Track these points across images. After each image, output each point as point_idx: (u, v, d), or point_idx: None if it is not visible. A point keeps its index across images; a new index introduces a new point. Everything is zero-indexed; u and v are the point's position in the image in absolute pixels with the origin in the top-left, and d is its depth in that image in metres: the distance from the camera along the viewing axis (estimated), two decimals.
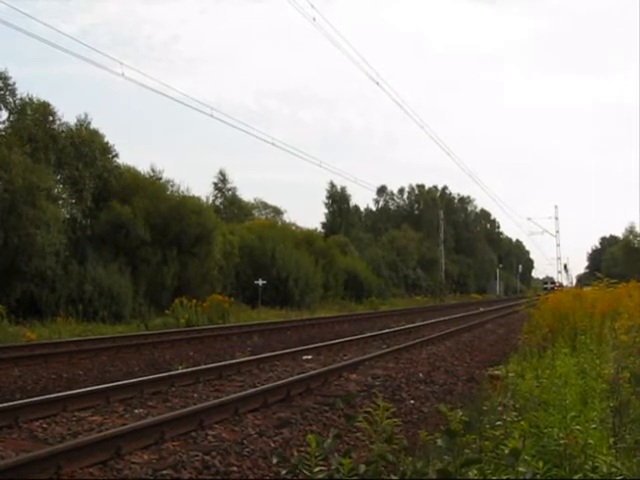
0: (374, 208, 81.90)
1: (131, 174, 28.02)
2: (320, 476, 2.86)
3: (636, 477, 3.54)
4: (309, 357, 13.20)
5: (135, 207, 25.63)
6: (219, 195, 47.49)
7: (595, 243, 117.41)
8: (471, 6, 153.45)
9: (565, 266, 70.67)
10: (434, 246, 68.17)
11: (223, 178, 47.76)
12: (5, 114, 22.88)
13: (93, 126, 25.93)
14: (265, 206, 56.27)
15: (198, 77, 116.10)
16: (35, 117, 23.54)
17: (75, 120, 25.44)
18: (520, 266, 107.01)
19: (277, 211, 56.35)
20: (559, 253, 63.45)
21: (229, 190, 47.99)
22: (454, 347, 15.86)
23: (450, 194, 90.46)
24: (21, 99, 23.24)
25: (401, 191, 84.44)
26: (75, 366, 12.06)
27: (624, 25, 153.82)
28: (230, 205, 47.24)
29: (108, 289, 22.76)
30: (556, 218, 62.34)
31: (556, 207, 63.81)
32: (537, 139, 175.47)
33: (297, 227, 48.75)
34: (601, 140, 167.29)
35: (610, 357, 6.00)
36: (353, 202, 66.29)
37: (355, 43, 72.57)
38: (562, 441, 3.68)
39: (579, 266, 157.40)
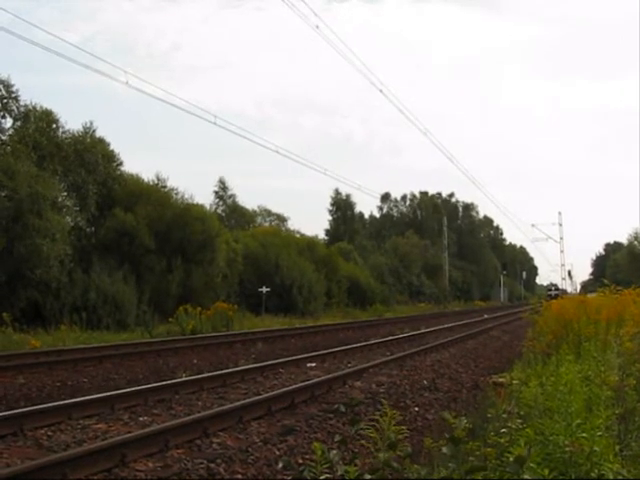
0: (378, 215, 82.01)
1: (135, 181, 28.12)
2: None
3: None
4: (313, 365, 13.18)
5: (139, 215, 25.70)
6: (221, 203, 47.64)
7: (599, 249, 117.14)
8: (472, 13, 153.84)
9: (569, 272, 70.51)
10: (438, 253, 68.10)
11: (223, 186, 47.93)
12: (9, 122, 23.03)
13: (98, 134, 26.14)
14: (269, 213, 56.33)
15: (199, 85, 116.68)
16: (39, 125, 23.66)
17: (80, 128, 25.65)
18: (524, 273, 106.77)
19: (281, 218, 56.40)
20: (563, 260, 63.40)
21: (230, 197, 48.15)
22: (458, 354, 15.82)
23: (457, 201, 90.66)
24: (25, 106, 23.36)
25: (404, 198, 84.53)
26: (79, 374, 12.06)
27: (626, 28, 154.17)
28: (232, 212, 47.34)
29: (112, 297, 22.78)
30: (560, 224, 62.27)
31: (560, 214, 63.58)
32: (541, 145, 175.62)
33: (301, 234, 48.82)
34: (605, 146, 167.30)
35: (615, 364, 5.99)
36: (357, 209, 66.40)
37: (358, 50, 72.76)
38: (567, 448, 3.66)
39: (583, 272, 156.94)
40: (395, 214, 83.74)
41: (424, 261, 65.43)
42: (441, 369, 12.98)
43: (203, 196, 57.26)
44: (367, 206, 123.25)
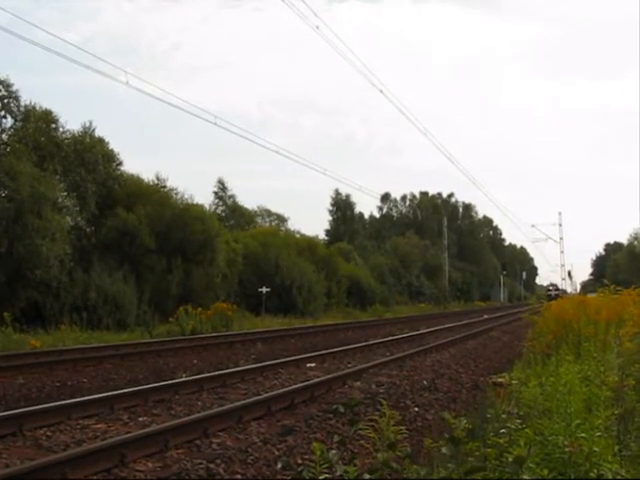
0: (378, 215, 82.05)
1: (135, 181, 28.13)
2: None
3: None
4: (313, 365, 13.18)
5: (139, 214, 25.71)
6: (220, 203, 47.66)
7: (599, 249, 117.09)
8: (472, 13, 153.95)
9: (569, 273, 70.49)
10: (438, 253, 68.10)
11: (223, 186, 47.94)
12: (10, 121, 23.04)
13: (97, 134, 26.16)
14: (269, 213, 56.29)
15: (199, 85, 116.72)
16: (39, 125, 23.66)
17: (80, 128, 25.66)
18: (524, 273, 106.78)
19: (281, 218, 56.36)
20: (563, 260, 63.39)
21: (230, 197, 48.18)
22: (458, 354, 15.82)
23: (457, 201, 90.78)
24: (25, 106, 23.36)
25: (404, 198, 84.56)
26: (79, 374, 12.06)
27: (626, 28, 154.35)
28: (232, 213, 47.35)
29: (112, 297, 22.79)
30: (560, 225, 62.25)
31: (560, 214, 63.59)
32: (541, 145, 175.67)
33: (301, 235, 48.79)
34: (605, 146, 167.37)
35: (614, 364, 5.99)
36: (357, 210, 66.42)
37: (358, 51, 72.80)
38: (567, 449, 3.67)
39: (583, 272, 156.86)
40: (395, 214, 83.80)
41: (424, 261, 65.43)
42: (441, 369, 12.97)
43: (203, 196, 57.36)
44: (367, 206, 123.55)
